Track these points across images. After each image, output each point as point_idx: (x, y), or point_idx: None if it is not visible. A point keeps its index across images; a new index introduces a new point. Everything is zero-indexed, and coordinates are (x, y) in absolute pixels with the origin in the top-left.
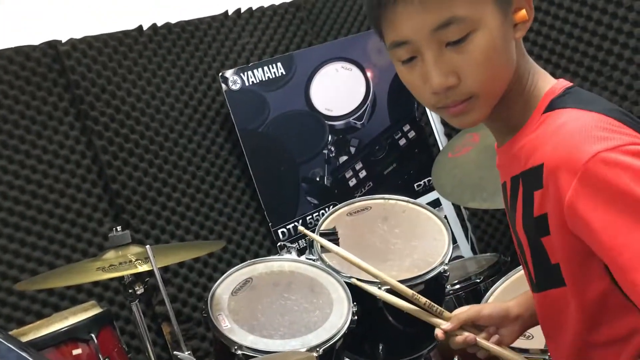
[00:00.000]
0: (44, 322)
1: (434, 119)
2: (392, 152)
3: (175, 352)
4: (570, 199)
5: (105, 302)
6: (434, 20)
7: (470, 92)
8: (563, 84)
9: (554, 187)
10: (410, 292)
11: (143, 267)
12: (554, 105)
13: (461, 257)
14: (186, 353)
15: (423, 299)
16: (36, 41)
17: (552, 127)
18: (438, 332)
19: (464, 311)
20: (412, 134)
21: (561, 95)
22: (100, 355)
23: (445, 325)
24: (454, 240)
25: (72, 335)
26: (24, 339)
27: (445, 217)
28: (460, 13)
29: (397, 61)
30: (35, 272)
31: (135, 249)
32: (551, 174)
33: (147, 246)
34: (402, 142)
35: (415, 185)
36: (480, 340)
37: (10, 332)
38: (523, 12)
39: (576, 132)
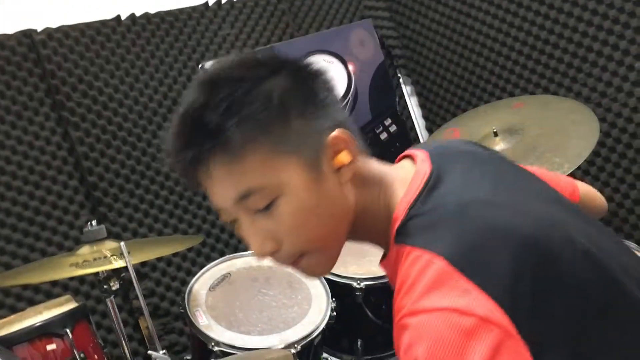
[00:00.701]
0: (17, 317)
1: (415, 113)
2: (373, 146)
3: (149, 352)
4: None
5: (82, 296)
6: (232, 193)
7: (294, 253)
8: (409, 197)
9: None
10: None
11: (118, 263)
12: (399, 237)
13: None
14: (161, 352)
15: None
16: (11, 30)
17: (400, 271)
18: None
19: None
20: (393, 128)
21: (404, 222)
22: (75, 351)
23: None
24: None
25: (46, 331)
26: None
27: None
28: (255, 184)
29: None
30: (9, 265)
31: (110, 244)
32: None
33: (122, 243)
34: (384, 136)
35: None
36: None
37: None
38: (341, 155)
39: (402, 286)
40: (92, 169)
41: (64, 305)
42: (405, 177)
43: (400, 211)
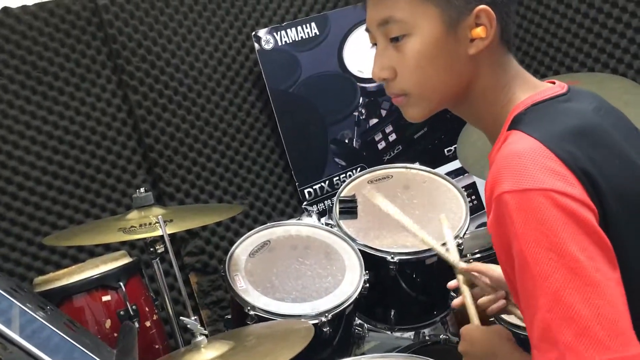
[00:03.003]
0: (77, 269)
1: None
2: None
3: (181, 317)
4: (488, 226)
5: (138, 250)
6: (377, 16)
7: (401, 89)
8: (537, 97)
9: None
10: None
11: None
12: (513, 123)
13: None
14: (192, 319)
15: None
16: None
17: (500, 150)
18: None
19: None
20: None
21: (523, 113)
22: (127, 302)
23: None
24: (481, 207)
25: (102, 283)
26: (58, 284)
27: (474, 183)
28: (397, 15)
29: None
30: (72, 218)
31: (158, 210)
32: (486, 198)
33: (159, 216)
34: None
35: (445, 150)
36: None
37: (45, 276)
38: (479, 29)
39: (500, 162)
40: (149, 131)
41: (119, 260)
42: (537, 86)
43: (524, 104)
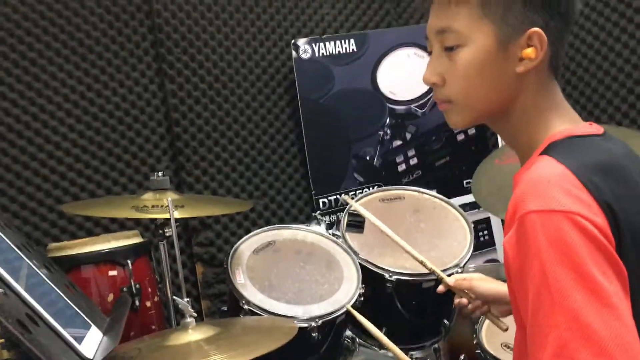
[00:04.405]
0: (89, 241)
1: None
2: (448, 145)
3: (174, 297)
4: (504, 242)
5: (151, 234)
6: (437, 24)
7: (447, 96)
8: (575, 131)
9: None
10: (420, 258)
11: (174, 214)
12: (547, 149)
13: (497, 261)
14: (185, 300)
15: (429, 265)
16: None
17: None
18: (440, 289)
19: (462, 279)
20: (472, 131)
21: (559, 141)
22: (132, 280)
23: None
24: (492, 244)
25: (110, 258)
26: (69, 252)
27: (488, 219)
28: (455, 26)
29: None
30: (93, 193)
31: (171, 195)
32: (508, 216)
33: (169, 199)
34: (460, 137)
35: (465, 181)
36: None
37: (59, 244)
38: (529, 50)
39: (528, 183)
40: (179, 120)
41: (131, 239)
42: (576, 121)
43: (561, 134)
